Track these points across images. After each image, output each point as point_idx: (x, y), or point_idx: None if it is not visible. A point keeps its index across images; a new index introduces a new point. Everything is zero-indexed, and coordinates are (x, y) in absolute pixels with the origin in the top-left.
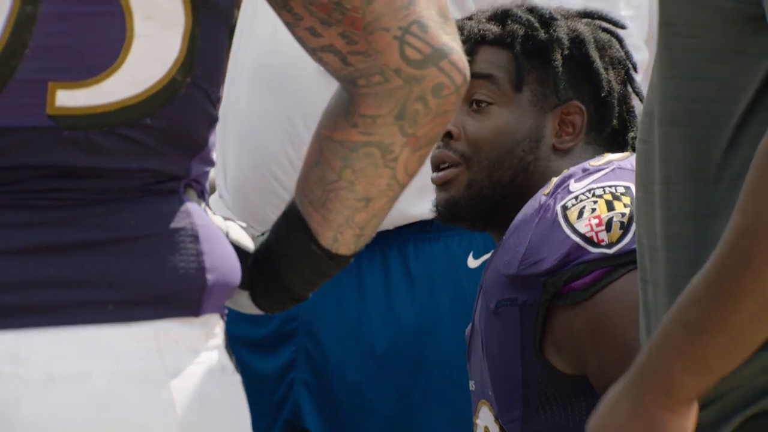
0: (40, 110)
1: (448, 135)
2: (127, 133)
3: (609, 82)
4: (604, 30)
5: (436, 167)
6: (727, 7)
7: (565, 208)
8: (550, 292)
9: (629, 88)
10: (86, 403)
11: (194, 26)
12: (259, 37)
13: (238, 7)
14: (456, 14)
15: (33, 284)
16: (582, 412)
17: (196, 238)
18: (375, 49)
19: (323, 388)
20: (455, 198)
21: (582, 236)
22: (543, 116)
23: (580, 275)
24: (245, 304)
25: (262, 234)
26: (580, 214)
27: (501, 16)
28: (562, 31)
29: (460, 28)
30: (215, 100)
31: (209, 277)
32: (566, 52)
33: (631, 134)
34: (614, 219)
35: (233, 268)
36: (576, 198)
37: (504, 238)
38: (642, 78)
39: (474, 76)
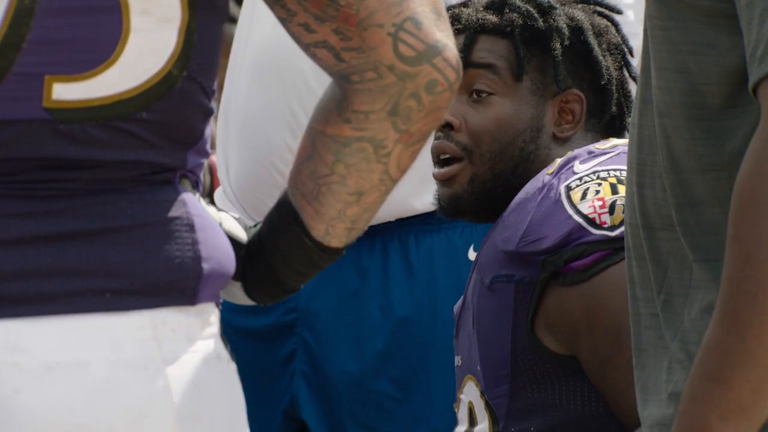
0: (36, 103)
1: (449, 126)
2: (123, 126)
3: (608, 69)
4: (600, 15)
5: (437, 158)
6: (702, 4)
7: (568, 188)
8: (549, 271)
9: (625, 73)
10: (85, 391)
11: (190, 20)
12: (260, 28)
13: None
14: None
15: (31, 273)
16: (569, 391)
17: (191, 227)
18: (369, 45)
19: (321, 379)
20: (458, 194)
21: (584, 217)
22: (543, 105)
23: (580, 256)
24: (238, 295)
25: (255, 225)
26: (584, 195)
27: (498, 4)
28: (561, 20)
29: (457, 16)
30: (210, 93)
31: (205, 266)
32: (566, 42)
33: (629, 119)
34: (617, 202)
35: (228, 258)
36: (580, 179)
37: (504, 215)
38: (638, 63)
39: (474, 65)
